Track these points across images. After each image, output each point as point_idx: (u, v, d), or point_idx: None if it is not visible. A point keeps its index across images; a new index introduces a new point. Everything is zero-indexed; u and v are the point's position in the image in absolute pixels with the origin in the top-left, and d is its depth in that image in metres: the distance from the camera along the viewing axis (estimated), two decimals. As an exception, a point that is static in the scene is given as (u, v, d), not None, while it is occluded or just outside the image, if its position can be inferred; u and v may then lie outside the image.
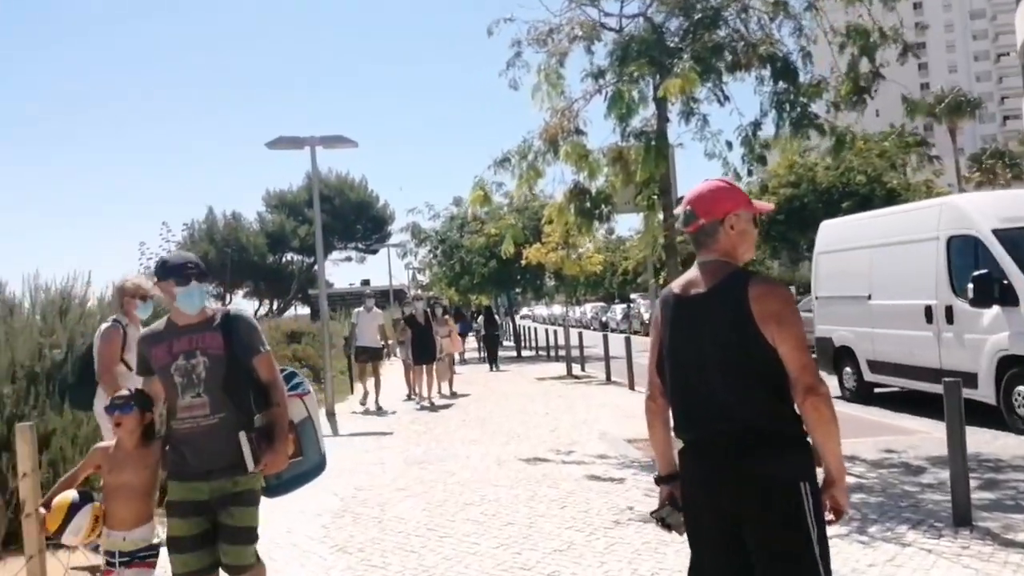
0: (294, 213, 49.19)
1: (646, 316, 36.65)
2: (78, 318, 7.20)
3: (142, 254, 32.61)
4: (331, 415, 11.66)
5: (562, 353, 21.84)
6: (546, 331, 25.84)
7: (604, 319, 45.90)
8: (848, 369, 10.86)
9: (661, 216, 8.93)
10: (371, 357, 12.75)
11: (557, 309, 56.71)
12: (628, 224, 68.97)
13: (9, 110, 75.69)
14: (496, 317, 30.51)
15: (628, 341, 13.96)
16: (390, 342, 14.17)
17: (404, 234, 26.28)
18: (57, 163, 74.53)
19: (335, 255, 52.55)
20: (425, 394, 12.98)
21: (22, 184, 72.63)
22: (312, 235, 50.49)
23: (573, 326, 40.17)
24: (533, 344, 27.65)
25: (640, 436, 8.60)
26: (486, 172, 9.06)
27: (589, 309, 50.97)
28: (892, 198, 23.94)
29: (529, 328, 31.28)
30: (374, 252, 52.54)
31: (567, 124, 8.58)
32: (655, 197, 8.64)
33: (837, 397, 11.20)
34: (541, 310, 62.27)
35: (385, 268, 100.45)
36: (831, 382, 11.56)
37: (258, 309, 50.21)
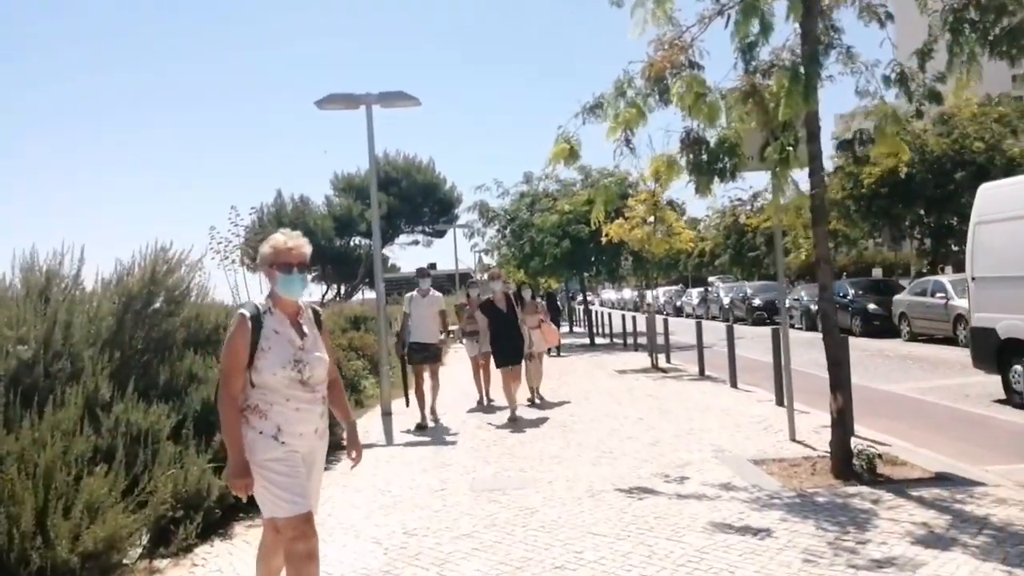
0: (361, 196, 48.71)
1: (726, 301, 34.48)
2: (64, 304, 5.75)
3: (212, 238, 32.03)
4: (387, 415, 10.11)
5: (641, 341, 20.06)
6: (622, 317, 23.90)
7: (679, 304, 43.74)
8: (1019, 368, 8.75)
9: (797, 171, 7.07)
10: (429, 357, 9.65)
11: (627, 293, 54.66)
12: (705, 202, 66.28)
13: (82, 93, 76.89)
14: (558, 303, 28.80)
15: (730, 331, 12.01)
16: (451, 332, 11.59)
17: (471, 213, 24.71)
18: (131, 146, 75.54)
19: (402, 239, 51.98)
20: (509, 404, 9.53)
21: (94, 167, 73.63)
22: (380, 219, 50.05)
23: (645, 311, 38.27)
24: (606, 331, 25.80)
25: (768, 454, 6.77)
26: (572, 122, 7.34)
27: (662, 293, 48.77)
28: (1013, 168, 21.22)
29: (600, 314, 29.41)
30: (441, 235, 52.10)
31: (678, 57, 6.77)
32: (790, 148, 6.71)
33: (1000, 401, 9.10)
34: (609, 294, 60.14)
35: (452, 252, 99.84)
36: (992, 381, 9.50)
37: (325, 293, 49.96)
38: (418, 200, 49.02)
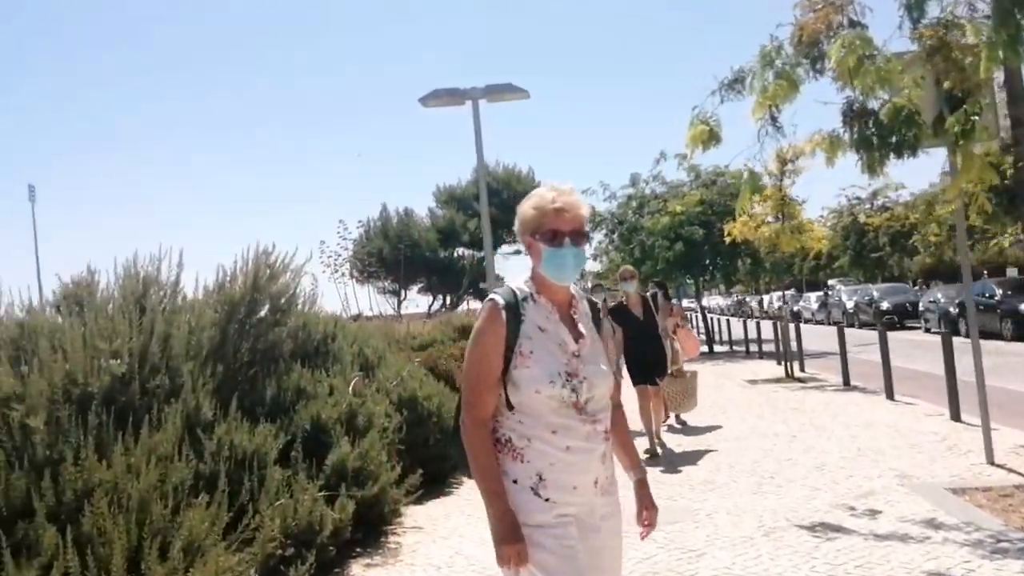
0: (463, 208, 49.03)
1: (849, 304, 32.37)
2: (162, 314, 5.23)
3: (322, 252, 32.52)
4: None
5: (766, 349, 18.74)
6: (747, 323, 22.56)
7: (795, 308, 41.56)
8: None
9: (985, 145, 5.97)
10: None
11: (718, 300, 52.44)
12: (820, 202, 63.47)
13: (202, 109, 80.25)
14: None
15: (883, 335, 10.70)
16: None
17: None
18: (248, 161, 78.28)
19: (504, 248, 51.87)
20: (647, 434, 7.65)
21: (208, 181, 76.56)
22: (482, 229, 50.18)
23: (761, 317, 36.46)
24: (723, 338, 24.44)
25: (968, 482, 5.64)
26: (709, 101, 6.46)
27: (775, 298, 46.61)
28: None
29: (714, 320, 27.98)
30: None
31: (834, 16, 5.80)
32: (975, 117, 5.60)
33: None
34: (716, 300, 58.13)
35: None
36: None
37: (431, 304, 50.29)
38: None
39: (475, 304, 50.23)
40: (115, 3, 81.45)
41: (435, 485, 6.50)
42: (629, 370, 7.84)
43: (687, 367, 9.23)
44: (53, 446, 4.06)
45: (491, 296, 2.28)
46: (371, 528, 5.23)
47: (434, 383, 7.22)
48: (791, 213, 15.26)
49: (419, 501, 5.99)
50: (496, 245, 51.39)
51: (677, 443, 8.22)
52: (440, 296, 52.27)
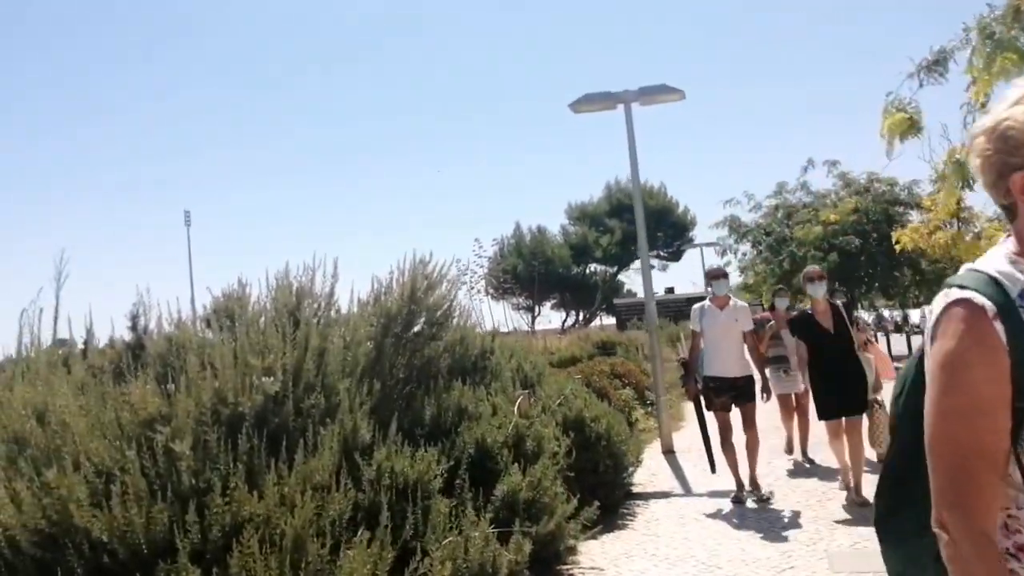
0: (595, 224, 48.81)
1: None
2: (317, 327, 4.78)
3: (459, 270, 32.75)
4: (668, 453, 8.54)
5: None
6: (889, 339, 20.68)
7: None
8: None
9: None
10: (738, 397, 6.57)
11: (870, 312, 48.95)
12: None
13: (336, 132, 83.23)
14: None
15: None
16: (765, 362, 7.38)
17: (720, 229, 22.68)
18: (380, 180, 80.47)
19: (636, 264, 50.97)
20: (843, 476, 6.37)
21: (350, 204, 79.07)
22: (615, 245, 49.16)
23: (908, 332, 33.61)
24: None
25: None
26: (906, 85, 5.59)
27: (928, 312, 43.03)
28: None
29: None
30: (676, 259, 50.83)
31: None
32: None
33: None
34: (859, 314, 54.32)
35: (687, 276, 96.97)
36: None
37: (565, 320, 49.96)
38: (651, 225, 48.26)
39: (607, 320, 49.57)
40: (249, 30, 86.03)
41: (607, 515, 5.77)
42: (815, 395, 6.29)
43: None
44: (200, 474, 3.62)
45: (960, 292, 1.27)
46: (544, 569, 4.56)
47: (599, 402, 6.51)
48: (969, 218, 13.66)
49: (592, 535, 5.28)
50: (628, 261, 50.74)
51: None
52: (573, 312, 51.91)
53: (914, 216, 20.45)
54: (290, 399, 4.14)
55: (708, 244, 27.02)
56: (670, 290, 49.31)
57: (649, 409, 10.99)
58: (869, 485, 5.94)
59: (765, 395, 6.78)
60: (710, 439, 6.78)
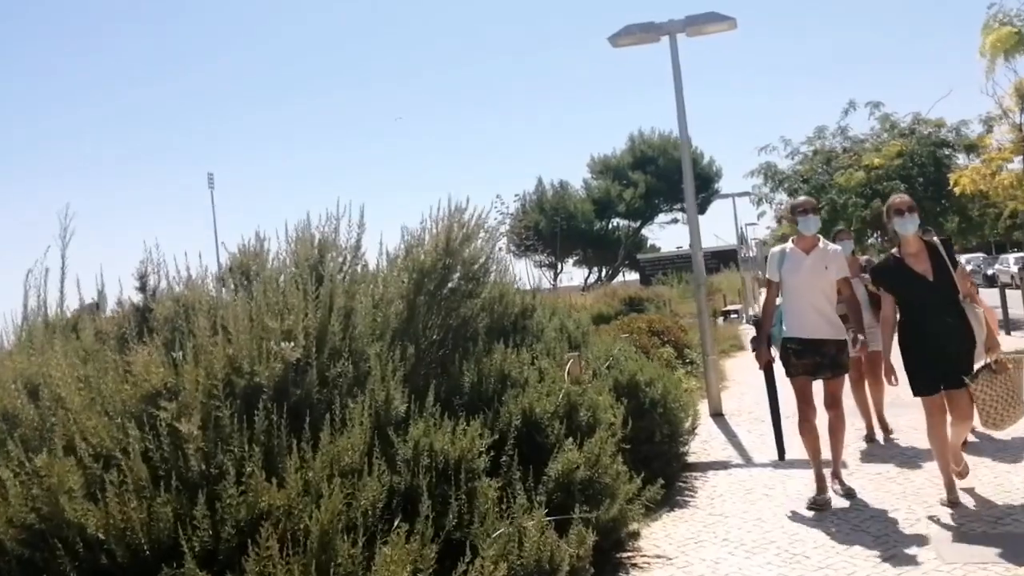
0: (618, 177, 47.98)
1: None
2: (343, 284, 4.22)
3: (499, 218, 31.98)
4: (717, 415, 7.99)
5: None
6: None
7: (990, 272, 36.89)
8: None
9: None
10: (825, 365, 5.23)
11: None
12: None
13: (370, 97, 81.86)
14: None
15: None
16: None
17: (755, 178, 21.76)
18: (401, 143, 79.48)
19: (660, 218, 50.28)
20: (943, 472, 4.94)
21: (369, 165, 78.27)
22: (638, 199, 48.19)
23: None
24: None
25: None
26: None
27: (963, 261, 41.82)
28: None
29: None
30: (701, 212, 49.94)
31: None
32: None
33: None
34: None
35: (712, 229, 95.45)
36: None
37: (587, 276, 49.48)
38: (675, 177, 47.55)
39: (631, 276, 48.94)
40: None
41: (665, 491, 5.24)
42: (909, 367, 4.92)
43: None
44: (211, 457, 3.10)
45: None
46: (603, 559, 4.03)
47: (652, 364, 5.94)
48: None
49: (655, 516, 4.76)
50: (652, 215, 49.89)
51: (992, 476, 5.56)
52: (595, 268, 51.28)
53: (961, 159, 19.50)
54: (313, 367, 3.60)
55: (740, 194, 26.05)
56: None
57: (689, 368, 10.43)
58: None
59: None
60: (780, 418, 5.49)
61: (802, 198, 5.67)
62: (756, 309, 28.64)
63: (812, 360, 5.18)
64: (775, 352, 5.46)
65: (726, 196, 26.93)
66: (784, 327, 5.34)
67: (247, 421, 3.25)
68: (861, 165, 19.16)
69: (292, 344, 3.51)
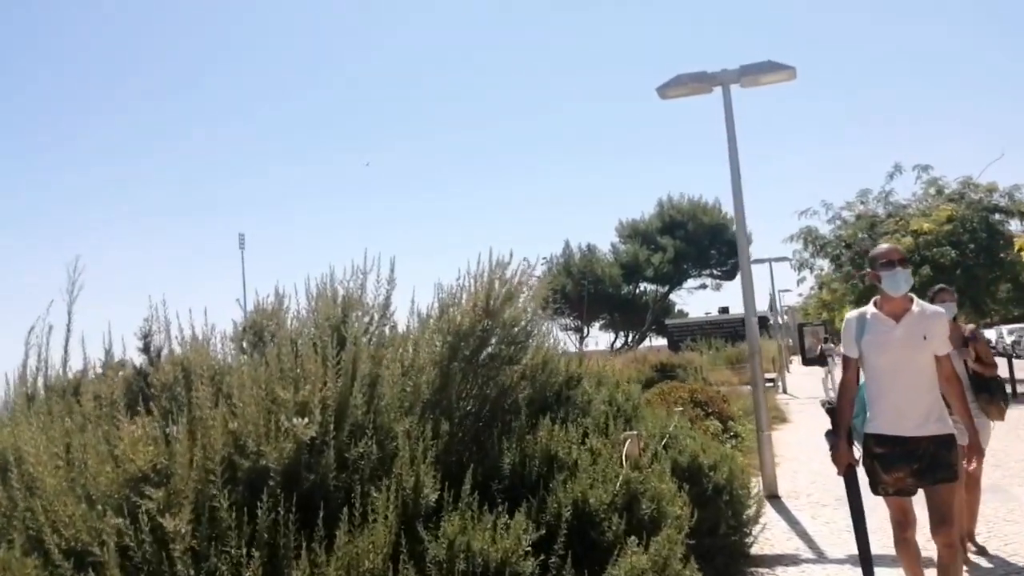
0: (647, 242, 47.60)
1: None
2: (368, 348, 3.67)
3: (543, 275, 31.96)
4: (772, 497, 7.27)
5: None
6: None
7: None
8: None
9: None
10: (924, 471, 3.86)
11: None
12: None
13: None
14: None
15: None
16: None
17: (795, 243, 21.13)
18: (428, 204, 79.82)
19: (689, 283, 49.71)
20: None
21: (397, 226, 78.61)
22: (667, 264, 47.61)
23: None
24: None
25: None
26: None
27: (1005, 332, 40.49)
28: None
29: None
30: (731, 277, 49.63)
31: None
32: None
33: None
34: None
35: (740, 295, 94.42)
36: None
37: (614, 341, 48.79)
38: (705, 243, 47.49)
39: (658, 341, 48.01)
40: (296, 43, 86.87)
41: (730, 593, 4.55)
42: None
43: None
44: (202, 559, 2.53)
45: None
46: None
47: (715, 443, 5.29)
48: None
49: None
50: (681, 280, 49.33)
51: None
52: (623, 332, 50.53)
53: (1014, 225, 18.79)
54: (331, 447, 3.04)
55: (777, 259, 25.35)
56: (724, 310, 47.78)
57: (735, 442, 9.70)
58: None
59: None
60: (867, 532, 4.13)
61: (885, 246, 4.25)
62: (790, 376, 27.37)
63: (907, 469, 3.86)
64: (857, 451, 4.10)
65: (762, 261, 26.25)
66: (867, 420, 4.03)
67: (249, 513, 2.68)
68: (908, 230, 18.55)
69: (306, 419, 2.95)
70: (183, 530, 2.49)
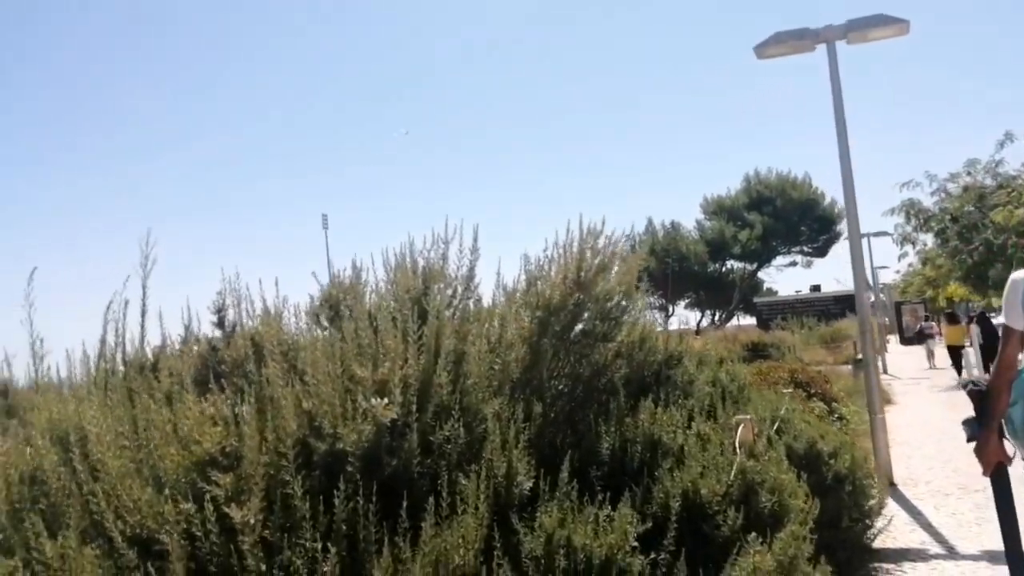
0: (733, 218, 46.18)
1: None
2: (452, 322, 3.36)
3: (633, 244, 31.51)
4: (890, 486, 6.69)
5: None
6: None
7: None
8: None
9: None
10: None
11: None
12: None
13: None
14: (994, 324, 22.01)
15: None
16: None
17: (896, 216, 19.94)
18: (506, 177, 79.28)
19: (778, 260, 48.14)
20: None
21: (480, 202, 78.42)
22: (754, 241, 46.14)
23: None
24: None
25: None
26: None
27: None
28: None
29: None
30: (822, 254, 47.80)
31: None
32: None
33: None
34: (999, 319, 48.14)
35: (832, 273, 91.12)
36: None
37: (700, 320, 47.76)
38: (794, 219, 45.76)
39: (745, 320, 46.66)
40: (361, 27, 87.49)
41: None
42: None
43: None
44: (275, 552, 2.26)
45: None
46: None
47: (834, 429, 4.81)
48: None
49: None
50: (770, 257, 47.77)
51: None
52: (709, 311, 49.36)
53: None
54: (414, 430, 2.73)
55: (876, 234, 24.06)
56: (816, 288, 46.21)
57: (841, 425, 9.08)
58: None
59: None
60: (1021, 540, 3.20)
61: None
62: (888, 356, 25.68)
63: None
64: (1010, 447, 3.20)
65: (862, 236, 24.99)
66: None
67: (326, 502, 2.41)
68: (1021, 202, 17.24)
69: (385, 400, 2.65)
70: (252, 521, 2.23)
